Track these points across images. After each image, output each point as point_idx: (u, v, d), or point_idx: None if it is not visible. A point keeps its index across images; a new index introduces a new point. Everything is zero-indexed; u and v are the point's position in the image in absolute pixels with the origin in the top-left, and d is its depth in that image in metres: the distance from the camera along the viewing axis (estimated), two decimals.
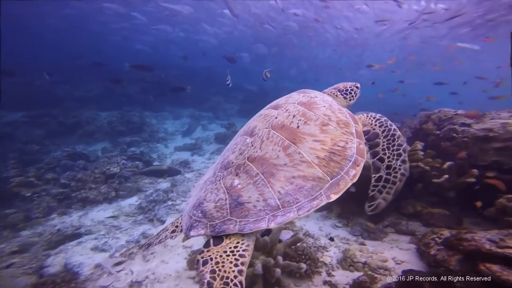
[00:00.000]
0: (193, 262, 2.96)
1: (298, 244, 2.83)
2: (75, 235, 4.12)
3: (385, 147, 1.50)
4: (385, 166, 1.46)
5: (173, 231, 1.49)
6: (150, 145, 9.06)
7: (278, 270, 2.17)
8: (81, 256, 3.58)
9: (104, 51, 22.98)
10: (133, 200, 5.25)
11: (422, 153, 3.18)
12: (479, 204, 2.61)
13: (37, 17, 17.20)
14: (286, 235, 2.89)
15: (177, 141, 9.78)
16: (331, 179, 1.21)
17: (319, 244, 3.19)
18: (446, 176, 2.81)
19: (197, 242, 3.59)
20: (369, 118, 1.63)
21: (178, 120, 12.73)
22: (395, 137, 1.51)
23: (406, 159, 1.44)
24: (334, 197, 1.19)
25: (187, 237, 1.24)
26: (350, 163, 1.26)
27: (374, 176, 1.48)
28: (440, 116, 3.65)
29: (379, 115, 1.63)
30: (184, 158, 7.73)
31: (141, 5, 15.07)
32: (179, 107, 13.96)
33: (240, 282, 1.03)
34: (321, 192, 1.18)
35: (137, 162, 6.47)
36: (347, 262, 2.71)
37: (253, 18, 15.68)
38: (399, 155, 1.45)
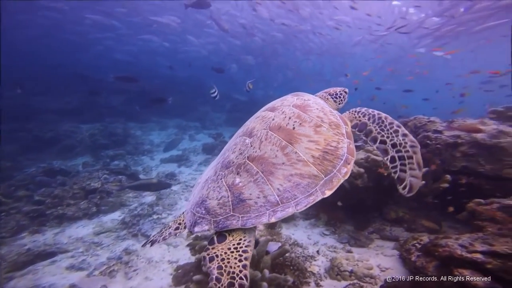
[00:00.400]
0: (179, 277, 2.86)
1: (287, 255, 2.82)
2: (48, 254, 3.83)
3: (379, 130, 1.54)
4: (390, 145, 1.48)
5: (177, 228, 1.53)
6: (135, 157, 8.79)
7: (265, 284, 2.14)
8: (54, 276, 3.33)
9: (84, 61, 22.36)
10: (116, 215, 5.04)
11: None
12: (451, 209, 2.75)
13: (12, 26, 16.54)
14: (273, 247, 2.87)
15: (163, 153, 9.57)
16: (325, 177, 1.29)
17: (307, 253, 3.19)
18: (423, 182, 2.95)
19: (183, 257, 3.49)
20: (352, 113, 1.70)
21: (165, 130, 12.50)
22: (383, 118, 1.56)
23: (406, 132, 1.48)
24: (328, 193, 1.26)
25: (191, 233, 1.33)
26: (342, 162, 1.34)
27: (387, 159, 1.48)
28: (415, 123, 3.86)
29: (358, 108, 1.70)
30: (170, 170, 7.56)
31: (126, 16, 14.99)
32: (165, 118, 13.76)
33: (245, 276, 1.11)
34: (316, 189, 1.25)
35: (120, 176, 6.24)
36: (334, 271, 2.73)
37: (240, 29, 16.03)
38: (396, 131, 1.49)
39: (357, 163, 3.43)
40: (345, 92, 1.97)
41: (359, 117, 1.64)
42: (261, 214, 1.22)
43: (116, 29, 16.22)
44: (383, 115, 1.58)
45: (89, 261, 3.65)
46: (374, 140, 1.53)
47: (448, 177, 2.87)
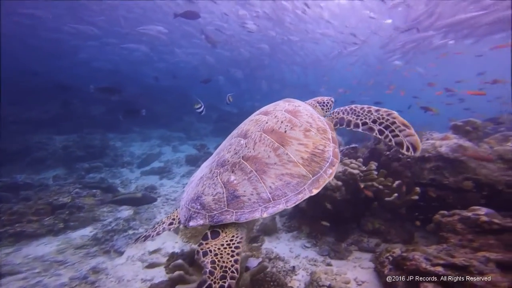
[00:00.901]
0: None
1: (268, 270, 2.79)
2: None
3: (355, 117, 1.67)
4: (371, 123, 1.59)
5: (171, 223, 1.56)
6: (113, 170, 8.42)
7: None
8: None
9: (65, 69, 21.53)
10: (87, 231, 4.73)
11: (375, 172, 3.49)
12: (418, 223, 2.90)
13: None
14: (253, 263, 2.83)
15: (143, 165, 9.26)
16: (313, 177, 1.38)
17: (288, 267, 3.18)
18: (396, 194, 3.10)
19: (158, 274, 3.33)
20: (330, 117, 1.85)
21: (147, 141, 12.16)
22: (353, 108, 1.70)
23: (376, 108, 1.62)
24: (315, 191, 1.35)
25: (186, 227, 1.42)
26: (328, 164, 1.44)
27: (375, 134, 1.59)
28: None
29: (333, 110, 1.86)
30: (150, 183, 7.31)
31: (111, 26, 14.78)
32: (148, 128, 13.42)
33: (236, 269, 1.20)
34: (305, 187, 1.34)
35: (95, 190, 5.92)
36: (313, 285, 2.72)
37: (227, 40, 16.38)
38: (369, 111, 1.62)
39: (335, 176, 3.54)
40: (332, 101, 2.13)
41: (336, 115, 1.79)
42: (254, 210, 1.30)
43: (99, 37, 15.91)
44: (352, 106, 1.74)
45: (46, 282, 3.33)
46: (357, 125, 1.64)
47: (418, 189, 3.03)
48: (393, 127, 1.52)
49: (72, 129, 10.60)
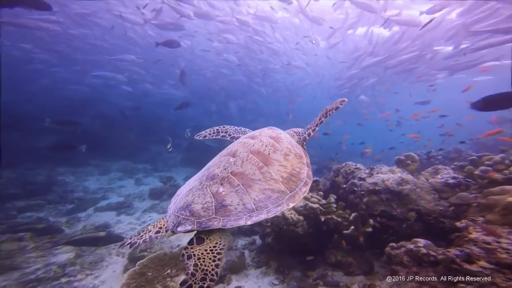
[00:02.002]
0: None
1: None
2: None
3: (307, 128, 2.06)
4: (317, 125, 1.98)
5: (157, 232, 1.62)
6: (59, 207, 7.35)
7: None
8: None
9: (24, 96, 19.49)
10: None
11: (334, 205, 3.66)
12: (309, 258, 3.03)
13: None
14: None
15: (98, 201, 8.32)
16: (290, 193, 1.59)
17: None
18: (352, 227, 3.24)
19: None
20: (293, 137, 2.22)
21: (106, 175, 11.09)
22: (305, 127, 2.13)
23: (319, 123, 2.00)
24: (292, 205, 1.56)
25: (173, 233, 1.46)
26: (302, 183, 1.67)
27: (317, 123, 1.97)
28: (346, 170, 4.39)
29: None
30: (104, 220, 6.52)
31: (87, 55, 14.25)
32: (108, 160, 12.36)
33: (216, 273, 1.31)
34: (283, 201, 1.54)
35: (23, 234, 5.00)
36: None
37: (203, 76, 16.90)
38: (315, 122, 2.00)
39: (297, 210, 3.61)
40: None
41: (296, 133, 2.25)
42: (239, 218, 1.43)
43: (63, 64, 15.12)
44: (300, 130, 2.23)
45: None
46: (309, 135, 2.01)
47: (371, 221, 3.24)
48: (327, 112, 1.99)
49: (9, 164, 9.17)
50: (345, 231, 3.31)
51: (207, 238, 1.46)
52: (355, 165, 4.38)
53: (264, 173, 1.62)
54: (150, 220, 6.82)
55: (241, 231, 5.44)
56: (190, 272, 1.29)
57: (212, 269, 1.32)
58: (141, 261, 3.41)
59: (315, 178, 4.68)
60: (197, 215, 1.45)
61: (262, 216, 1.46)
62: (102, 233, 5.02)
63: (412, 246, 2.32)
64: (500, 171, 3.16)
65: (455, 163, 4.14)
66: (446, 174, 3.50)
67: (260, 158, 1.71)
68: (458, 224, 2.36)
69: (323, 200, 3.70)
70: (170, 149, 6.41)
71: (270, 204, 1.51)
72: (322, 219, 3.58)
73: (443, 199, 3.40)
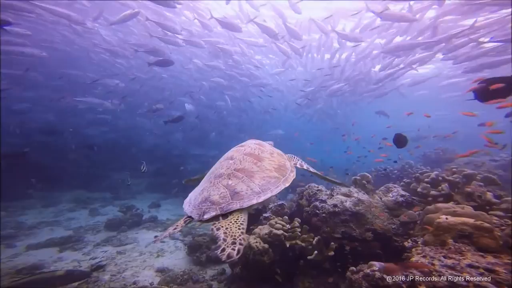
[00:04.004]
0: None
1: None
2: None
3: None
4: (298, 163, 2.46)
5: (184, 223, 1.81)
6: None
7: None
8: None
9: None
10: None
11: (299, 230, 3.66)
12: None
13: None
14: None
15: (36, 236, 7.11)
16: (282, 178, 2.00)
17: None
18: (316, 252, 3.25)
19: None
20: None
21: (52, 206, 9.71)
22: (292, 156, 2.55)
23: (297, 159, 2.50)
24: (287, 184, 1.97)
25: (201, 222, 1.69)
26: (289, 171, 2.13)
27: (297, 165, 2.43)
28: (309, 192, 4.49)
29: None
30: (38, 259, 5.53)
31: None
32: (57, 190, 10.93)
33: (243, 239, 1.50)
34: (280, 183, 1.93)
35: None
36: None
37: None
38: (297, 158, 2.51)
39: (262, 238, 3.52)
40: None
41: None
42: (251, 199, 1.73)
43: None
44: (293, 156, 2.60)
45: None
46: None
47: (333, 244, 3.29)
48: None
49: None
50: (309, 257, 3.29)
51: (230, 215, 1.69)
52: (317, 187, 4.49)
53: (260, 166, 2.04)
54: (104, 253, 6.01)
55: (210, 260, 5.12)
56: (221, 238, 1.50)
57: (239, 236, 1.53)
58: None
59: (280, 202, 4.70)
60: (217, 203, 1.73)
61: (268, 194, 1.80)
62: (60, 272, 4.16)
63: (368, 271, 2.38)
64: (436, 187, 3.54)
65: (404, 180, 4.55)
66: (396, 192, 3.80)
67: (253, 157, 2.14)
68: (406, 243, 2.51)
69: (288, 225, 3.69)
70: (144, 170, 6.47)
71: (271, 186, 1.87)
72: (287, 245, 3.53)
73: (395, 217, 3.66)
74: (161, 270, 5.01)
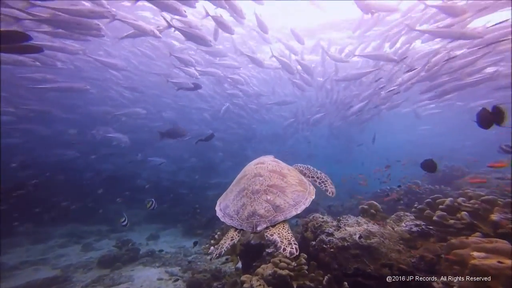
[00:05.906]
0: None
1: None
2: None
3: (309, 173, 2.74)
4: (316, 178, 2.67)
5: (234, 237, 2.05)
6: None
7: None
8: None
9: None
10: None
11: (306, 267, 3.29)
12: None
13: None
14: None
15: (16, 279, 6.52)
16: (307, 191, 2.24)
17: None
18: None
19: None
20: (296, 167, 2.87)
21: (41, 243, 9.16)
22: (309, 168, 2.79)
23: (320, 171, 2.74)
24: (313, 197, 2.21)
25: (255, 233, 1.98)
26: (308, 184, 2.38)
27: (316, 182, 2.63)
28: (314, 223, 4.14)
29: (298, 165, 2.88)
30: None
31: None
32: (50, 225, 10.42)
33: (294, 240, 1.83)
34: (306, 196, 2.17)
35: None
36: None
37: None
38: (316, 172, 2.72)
39: (265, 280, 3.14)
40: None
41: (297, 167, 2.84)
42: (290, 211, 2.00)
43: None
44: (309, 166, 2.80)
45: None
46: (308, 177, 2.67)
47: (346, 284, 2.91)
48: (325, 183, 2.62)
49: None
50: None
51: (276, 224, 1.96)
52: (322, 218, 4.17)
53: (286, 181, 2.26)
54: None
55: None
56: (278, 241, 1.79)
57: (291, 238, 1.84)
58: None
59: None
60: (265, 216, 1.98)
61: (303, 206, 2.06)
62: None
63: None
64: (453, 215, 3.25)
65: (415, 206, 4.24)
66: (409, 221, 3.50)
67: (277, 173, 2.34)
68: (436, 285, 2.19)
69: (293, 263, 3.33)
70: (126, 223, 6.75)
71: (301, 199, 2.11)
72: (295, 286, 3.14)
73: (412, 248, 3.30)
74: None
